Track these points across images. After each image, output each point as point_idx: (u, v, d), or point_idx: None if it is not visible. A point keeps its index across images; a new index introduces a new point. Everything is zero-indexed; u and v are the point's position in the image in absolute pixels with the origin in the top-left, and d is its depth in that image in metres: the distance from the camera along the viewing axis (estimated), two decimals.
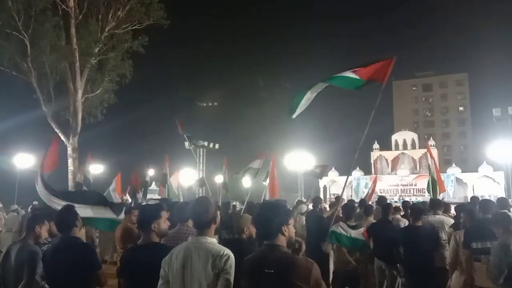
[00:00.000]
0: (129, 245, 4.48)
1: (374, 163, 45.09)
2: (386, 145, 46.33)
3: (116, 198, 13.56)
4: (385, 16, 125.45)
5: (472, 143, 71.27)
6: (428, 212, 6.96)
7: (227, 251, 2.79)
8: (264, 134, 57.04)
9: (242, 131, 61.21)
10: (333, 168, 41.46)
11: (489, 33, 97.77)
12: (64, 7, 19.36)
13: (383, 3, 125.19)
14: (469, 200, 9.76)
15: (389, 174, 43.23)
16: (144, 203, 8.62)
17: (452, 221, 6.59)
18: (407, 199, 29.84)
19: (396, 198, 34.16)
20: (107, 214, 5.62)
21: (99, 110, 21.45)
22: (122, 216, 5.82)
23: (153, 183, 25.92)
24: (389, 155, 45.40)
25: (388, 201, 8.81)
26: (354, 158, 6.52)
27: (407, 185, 40.13)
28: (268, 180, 11.51)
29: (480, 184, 37.67)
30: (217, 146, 36.67)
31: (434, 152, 39.64)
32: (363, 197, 14.96)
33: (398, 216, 7.98)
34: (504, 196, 17.19)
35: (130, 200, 15.19)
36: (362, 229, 6.00)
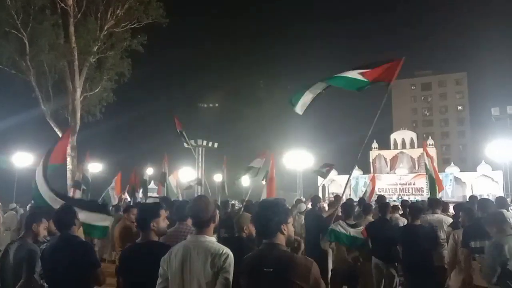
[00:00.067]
0: (128, 244, 4.48)
1: (373, 162, 45.10)
2: (385, 144, 46.35)
3: (114, 197, 13.57)
4: (385, 16, 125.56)
5: (471, 142, 71.35)
6: (426, 211, 6.97)
7: (226, 250, 2.79)
8: (263, 133, 57.14)
9: (242, 131, 61.27)
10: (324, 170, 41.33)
11: (488, 33, 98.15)
12: (63, 5, 19.31)
13: (382, 3, 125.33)
14: (467, 199, 9.78)
15: (387, 173, 43.26)
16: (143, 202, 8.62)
17: (450, 220, 6.60)
18: (405, 198, 29.87)
19: (394, 197, 34.18)
20: (101, 221, 5.60)
21: (98, 109, 21.42)
22: (110, 220, 5.80)
23: (152, 181, 25.91)
24: (388, 154, 45.41)
25: (386, 200, 8.81)
26: (357, 158, 6.54)
27: (405, 184, 40.16)
28: (265, 180, 11.54)
29: (478, 183, 37.71)
30: (216, 145, 36.67)
31: (433, 151, 39.70)
32: (361, 196, 14.98)
33: (397, 215, 7.99)
34: (503, 195, 17.21)
35: (129, 199, 15.20)
36: (361, 228, 6.01)
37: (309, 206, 9.78)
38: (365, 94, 6.48)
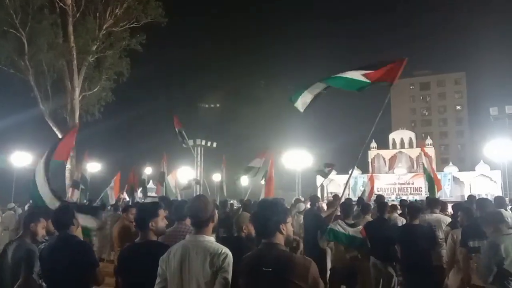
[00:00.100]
0: (127, 244, 4.47)
1: (371, 162, 45.19)
2: (383, 144, 46.44)
3: (111, 197, 13.57)
4: (384, 16, 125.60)
5: (469, 142, 71.44)
6: (425, 210, 6.98)
7: (225, 250, 2.79)
8: (262, 133, 57.12)
9: (241, 130, 61.27)
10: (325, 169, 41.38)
11: (487, 33, 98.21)
12: (61, 4, 19.30)
13: (382, 3, 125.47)
14: (466, 199, 9.79)
15: (386, 172, 43.33)
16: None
17: (449, 219, 6.61)
18: (404, 197, 29.92)
19: (393, 197, 34.26)
20: (87, 223, 5.61)
21: (97, 108, 21.41)
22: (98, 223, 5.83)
23: (151, 181, 25.91)
24: (387, 153, 45.51)
25: (385, 200, 8.82)
26: (357, 158, 6.55)
27: (404, 184, 40.26)
28: (264, 180, 11.54)
29: (477, 183, 37.80)
30: (214, 144, 36.67)
31: (432, 151, 39.79)
32: (360, 196, 14.99)
33: (396, 215, 8.00)
34: (501, 195, 17.23)
35: (127, 199, 15.20)
36: (360, 227, 6.01)
37: (308, 205, 9.79)
38: (364, 94, 6.49)
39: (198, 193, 14.38)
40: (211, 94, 79.22)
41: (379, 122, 6.11)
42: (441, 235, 6.35)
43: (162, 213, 3.41)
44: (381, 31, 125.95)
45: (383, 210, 6.66)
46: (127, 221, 6.23)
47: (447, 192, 36.14)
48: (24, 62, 18.35)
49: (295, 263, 2.49)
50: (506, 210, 5.98)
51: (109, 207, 12.52)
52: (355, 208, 7.79)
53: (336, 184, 40.17)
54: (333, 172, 41.71)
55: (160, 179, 14.96)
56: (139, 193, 15.82)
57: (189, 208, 3.00)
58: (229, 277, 2.72)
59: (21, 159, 21.78)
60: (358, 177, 40.81)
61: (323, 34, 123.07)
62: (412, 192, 38.53)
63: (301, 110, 6.57)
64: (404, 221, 7.15)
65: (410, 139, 46.08)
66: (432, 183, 10.41)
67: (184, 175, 24.65)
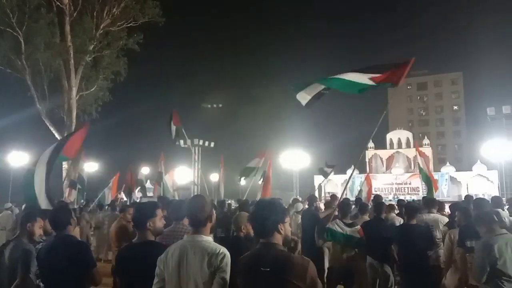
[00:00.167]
0: (124, 243, 4.46)
1: (369, 162, 45.22)
2: (381, 144, 46.48)
3: (108, 197, 13.55)
4: (382, 16, 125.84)
5: (466, 142, 71.68)
6: (422, 210, 6.99)
7: (223, 249, 2.78)
8: (260, 133, 57.15)
9: (238, 130, 61.28)
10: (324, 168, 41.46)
11: (484, 33, 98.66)
12: (58, 4, 19.26)
13: (382, 3, 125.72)
14: (463, 199, 9.81)
15: (384, 172, 43.39)
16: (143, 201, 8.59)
17: (446, 219, 6.62)
18: (401, 197, 30.00)
19: (390, 197, 34.28)
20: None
21: (94, 108, 21.37)
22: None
23: (148, 181, 25.85)
24: (384, 153, 45.56)
25: (382, 200, 8.84)
26: (358, 158, 6.56)
27: (401, 184, 40.30)
28: (262, 180, 11.54)
29: (474, 183, 37.87)
30: (212, 144, 36.58)
31: (429, 151, 39.85)
32: (357, 195, 15.01)
33: (393, 215, 8.01)
34: (498, 195, 17.30)
35: (125, 199, 15.17)
36: (358, 227, 6.02)
37: (306, 206, 9.79)
38: (361, 94, 6.49)
39: (195, 193, 14.37)
40: (209, 94, 79.23)
41: (376, 122, 6.12)
42: (438, 235, 6.37)
43: (160, 213, 3.40)
44: (380, 31, 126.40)
45: (379, 210, 6.67)
46: (124, 221, 6.22)
47: (444, 192, 36.23)
48: (21, 62, 18.29)
49: (293, 263, 2.49)
50: (503, 210, 6.02)
51: (106, 207, 12.49)
52: (353, 207, 7.80)
53: (333, 184, 40.19)
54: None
55: (157, 179, 14.95)
56: (136, 193, 15.80)
57: (187, 208, 2.99)
58: (227, 277, 2.72)
59: (18, 158, 21.69)
60: (355, 177, 40.81)
61: (323, 34, 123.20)
62: (409, 192, 38.58)
63: (303, 103, 6.56)
64: (402, 221, 7.16)
65: (408, 139, 46.15)
66: (430, 183, 10.44)
67: (181, 175, 24.58)
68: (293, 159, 29.06)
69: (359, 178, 40.07)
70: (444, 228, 6.24)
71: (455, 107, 77.60)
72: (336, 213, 6.58)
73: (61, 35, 19.55)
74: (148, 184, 24.41)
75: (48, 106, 19.63)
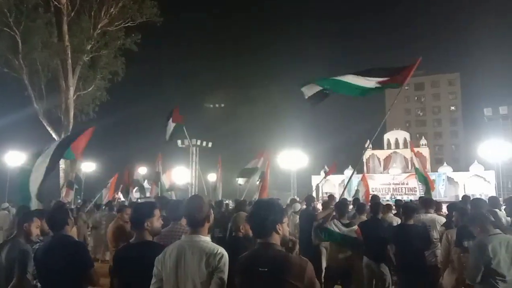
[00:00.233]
0: (122, 244, 4.45)
1: (366, 162, 45.26)
2: (378, 144, 46.51)
3: (104, 197, 13.52)
4: (378, 16, 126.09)
5: (463, 143, 71.84)
6: (420, 210, 7.00)
7: (221, 250, 2.78)
8: (258, 133, 57.15)
9: (236, 130, 61.27)
10: (325, 167, 41.58)
11: (481, 34, 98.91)
12: (56, 3, 19.21)
13: (380, 4, 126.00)
14: (460, 199, 9.83)
15: (381, 173, 43.44)
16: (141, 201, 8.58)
17: (443, 219, 6.64)
18: (399, 197, 30.06)
19: (388, 197, 34.33)
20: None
21: (91, 108, 21.34)
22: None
23: (146, 181, 25.81)
24: (381, 154, 45.60)
25: (380, 200, 8.85)
26: (359, 160, 6.58)
27: (399, 184, 40.35)
28: (260, 180, 11.54)
29: (471, 183, 37.95)
30: (210, 144, 36.57)
31: (426, 151, 39.93)
32: (354, 195, 15.01)
33: (391, 215, 8.03)
34: (495, 195, 17.34)
35: (122, 199, 15.15)
36: (355, 227, 6.03)
37: (304, 206, 9.80)
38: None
39: (192, 193, 14.36)
40: (209, 94, 79.20)
41: (374, 122, 6.15)
42: (435, 235, 6.39)
43: (157, 213, 3.40)
44: (379, 32, 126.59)
45: (377, 210, 6.68)
46: (122, 221, 6.21)
47: (442, 192, 36.29)
48: (18, 61, 18.24)
49: (291, 263, 2.49)
50: (500, 210, 6.04)
51: (103, 207, 12.47)
52: (351, 207, 7.81)
53: (331, 184, 40.21)
54: None
55: (155, 179, 14.92)
56: (134, 193, 15.77)
57: (185, 208, 2.99)
58: (225, 277, 2.72)
59: (15, 158, 21.62)
60: (353, 177, 40.87)
61: (324, 34, 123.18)
62: (406, 192, 38.62)
63: (306, 95, 6.56)
64: (399, 221, 7.18)
65: (405, 140, 46.19)
66: (428, 183, 10.46)
67: (179, 175, 24.56)
68: (291, 159, 29.08)
69: (356, 178, 40.13)
70: (441, 228, 6.26)
71: (452, 108, 77.79)
72: (334, 213, 6.59)
73: (59, 35, 19.51)
74: (145, 184, 24.39)
75: (46, 106, 19.59)
